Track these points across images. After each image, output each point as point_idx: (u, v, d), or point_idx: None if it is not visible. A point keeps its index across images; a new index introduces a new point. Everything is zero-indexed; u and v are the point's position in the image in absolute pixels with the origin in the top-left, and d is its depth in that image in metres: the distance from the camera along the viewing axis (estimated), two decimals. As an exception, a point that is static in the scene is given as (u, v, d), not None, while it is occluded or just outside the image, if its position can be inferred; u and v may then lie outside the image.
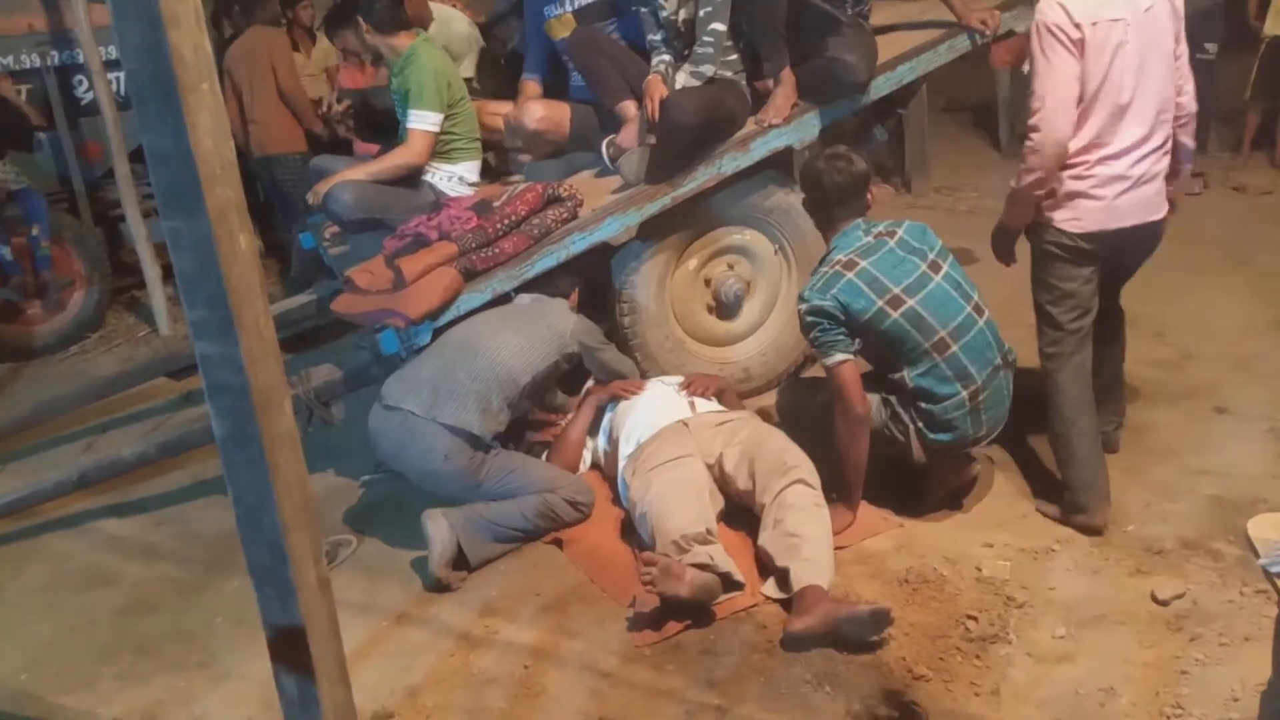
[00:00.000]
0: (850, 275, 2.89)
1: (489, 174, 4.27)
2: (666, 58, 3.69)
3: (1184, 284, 4.58)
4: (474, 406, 3.04)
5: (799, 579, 2.60)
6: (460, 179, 4.01)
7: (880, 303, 2.86)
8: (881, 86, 3.84)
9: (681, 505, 2.83)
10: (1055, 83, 2.76)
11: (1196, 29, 5.77)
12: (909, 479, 3.09)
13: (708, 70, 3.56)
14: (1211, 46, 5.90)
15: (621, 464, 3.23)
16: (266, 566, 1.92)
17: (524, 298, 3.49)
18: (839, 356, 2.89)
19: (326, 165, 4.21)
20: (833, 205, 3.03)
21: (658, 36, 3.74)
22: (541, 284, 3.50)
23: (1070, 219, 2.90)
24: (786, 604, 2.64)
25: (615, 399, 3.47)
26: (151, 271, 5.55)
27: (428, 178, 3.97)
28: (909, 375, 2.91)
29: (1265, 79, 6.09)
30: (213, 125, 1.67)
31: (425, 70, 3.78)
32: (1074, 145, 2.82)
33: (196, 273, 1.73)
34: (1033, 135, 2.82)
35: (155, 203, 1.70)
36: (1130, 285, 4.38)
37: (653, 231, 3.67)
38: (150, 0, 1.57)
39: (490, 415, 3.07)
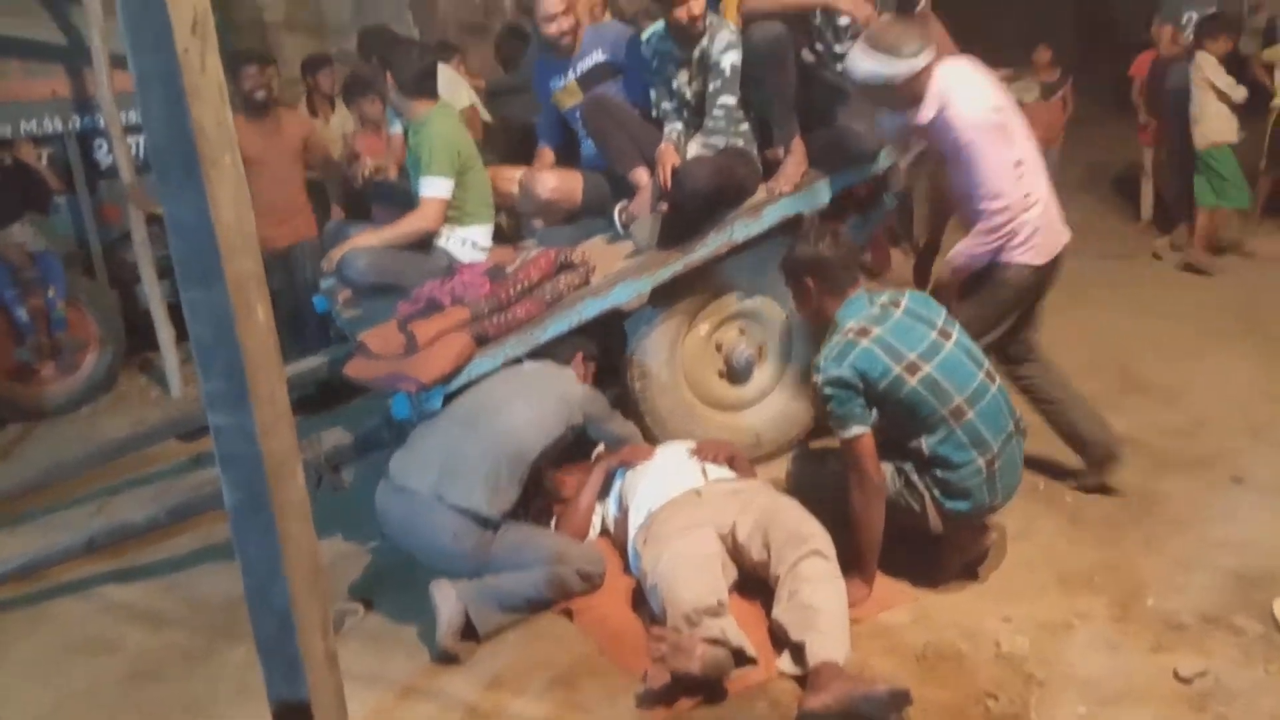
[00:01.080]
0: (866, 342, 2.88)
1: (502, 238, 4.31)
2: (678, 126, 3.74)
3: (1196, 350, 4.57)
4: (482, 486, 2.99)
5: (815, 654, 2.55)
6: (473, 244, 4.05)
7: (898, 369, 2.84)
8: (889, 155, 3.88)
9: (693, 577, 2.79)
10: (995, 163, 3.14)
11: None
12: (923, 549, 3.05)
13: (719, 142, 3.61)
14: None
15: (632, 532, 3.19)
16: (274, 638, 1.90)
17: (530, 364, 3.46)
18: (857, 430, 2.86)
19: (341, 230, 4.26)
20: (837, 274, 3.02)
21: (669, 105, 3.80)
22: (555, 350, 3.49)
23: (1033, 254, 3.26)
24: (801, 680, 2.59)
25: (625, 465, 3.45)
26: (165, 333, 5.59)
27: (441, 242, 4.00)
28: (926, 443, 2.89)
29: (1278, 147, 6.14)
30: (233, 198, 1.69)
31: (438, 137, 3.84)
32: (1019, 194, 3.18)
33: (213, 343, 1.74)
34: (997, 216, 3.17)
35: (172, 267, 1.70)
36: (1142, 352, 4.38)
37: (664, 297, 3.68)
38: (173, 74, 1.60)
39: (499, 493, 3.02)
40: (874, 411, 2.89)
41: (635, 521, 3.20)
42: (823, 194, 3.78)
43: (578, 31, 3.98)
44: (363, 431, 3.62)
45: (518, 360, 3.45)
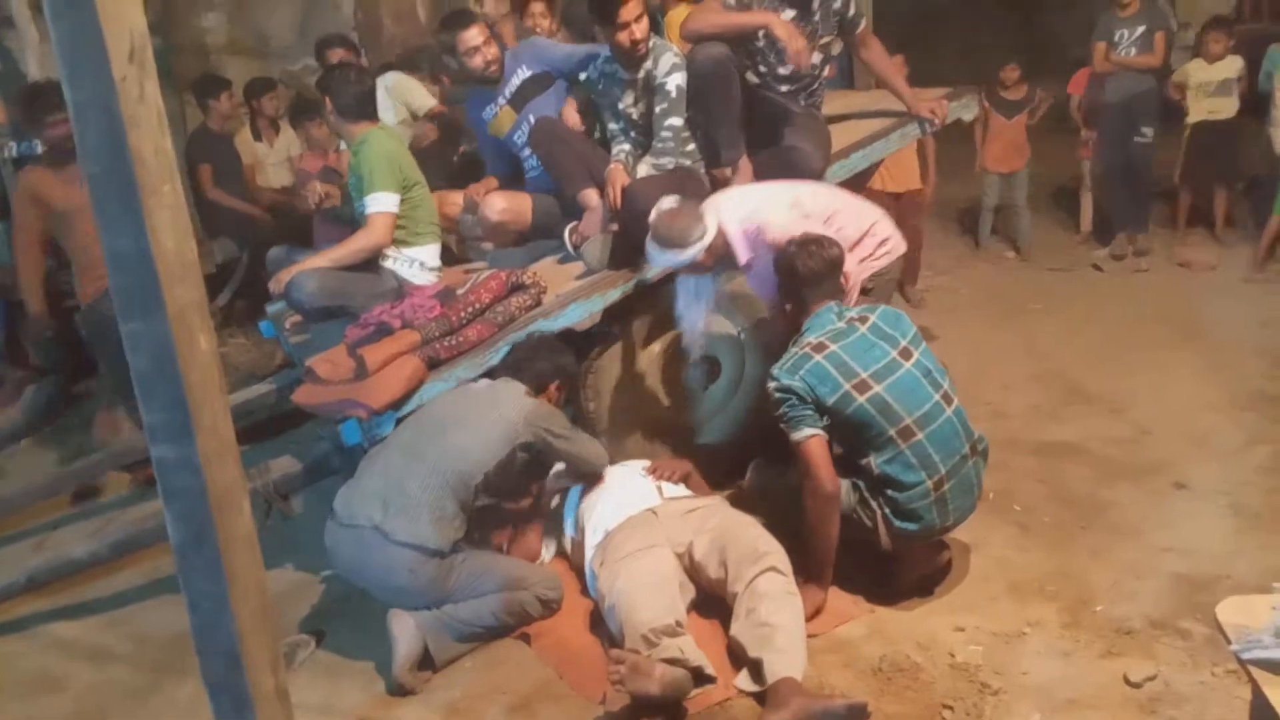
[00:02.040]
0: (819, 358, 2.91)
1: (451, 259, 4.28)
2: (626, 147, 3.77)
3: (1138, 361, 4.67)
4: (427, 518, 2.92)
5: (773, 671, 2.55)
6: (421, 264, 4.00)
7: (847, 386, 2.87)
8: (837, 173, 3.93)
9: (650, 597, 2.78)
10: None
11: (1134, 114, 6.10)
12: (879, 562, 3.07)
13: (668, 163, 3.64)
14: (1149, 130, 6.15)
15: (589, 553, 3.18)
16: (222, 675, 1.86)
17: (480, 383, 3.39)
18: (806, 431, 2.89)
19: (285, 255, 4.19)
20: (806, 289, 3.07)
21: (616, 126, 3.82)
22: (533, 372, 3.35)
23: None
24: (760, 696, 2.59)
25: (580, 485, 3.43)
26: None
27: (388, 264, 3.95)
28: (875, 461, 2.92)
29: (1192, 161, 6.35)
30: (173, 225, 1.66)
31: (377, 155, 3.80)
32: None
33: (154, 374, 1.70)
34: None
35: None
36: (1085, 363, 4.50)
37: (616, 318, 3.68)
38: (111, 103, 1.57)
39: (445, 523, 2.95)
40: (825, 418, 2.92)
41: (591, 542, 3.19)
42: (771, 212, 3.81)
43: (501, 58, 3.99)
44: (312, 458, 3.57)
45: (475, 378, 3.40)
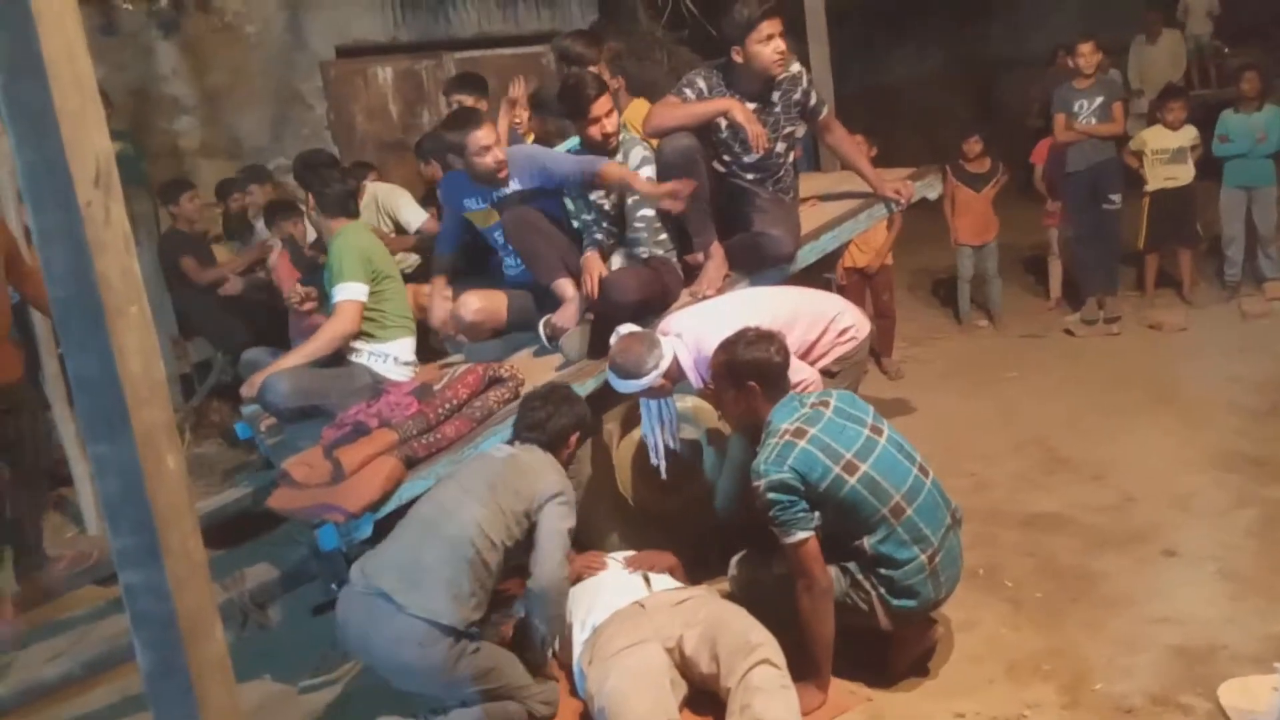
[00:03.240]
0: (803, 443, 2.86)
1: (429, 353, 4.27)
2: (600, 237, 3.81)
3: (1116, 425, 4.69)
4: (443, 594, 2.81)
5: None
6: (395, 359, 3.99)
7: (837, 469, 2.83)
8: (808, 255, 3.98)
9: (640, 696, 2.71)
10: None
11: (1099, 182, 6.25)
12: (871, 648, 3.02)
13: (642, 252, 3.68)
14: (1116, 197, 6.29)
15: (577, 650, 3.10)
16: (194, 812, 1.78)
17: (503, 449, 3.23)
18: (800, 535, 2.82)
19: (258, 358, 4.18)
20: (772, 383, 3.03)
21: (589, 217, 3.86)
22: (539, 429, 3.23)
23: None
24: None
25: (579, 578, 3.35)
26: (79, 469, 5.36)
27: (361, 359, 3.93)
28: (869, 543, 2.87)
29: (1154, 226, 6.50)
30: (140, 347, 1.65)
31: (349, 248, 3.84)
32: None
33: (122, 499, 1.67)
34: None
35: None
36: (1064, 429, 4.49)
37: (596, 406, 3.66)
38: (76, 228, 1.56)
39: (461, 601, 2.83)
40: (817, 515, 2.87)
41: (579, 639, 3.10)
42: (745, 296, 3.84)
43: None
44: (289, 565, 3.49)
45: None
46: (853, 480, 2.83)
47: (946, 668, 3.06)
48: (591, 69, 4.05)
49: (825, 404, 3.00)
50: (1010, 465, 4.44)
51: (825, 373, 3.37)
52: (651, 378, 3.28)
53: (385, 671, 2.92)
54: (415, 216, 5.21)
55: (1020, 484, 4.25)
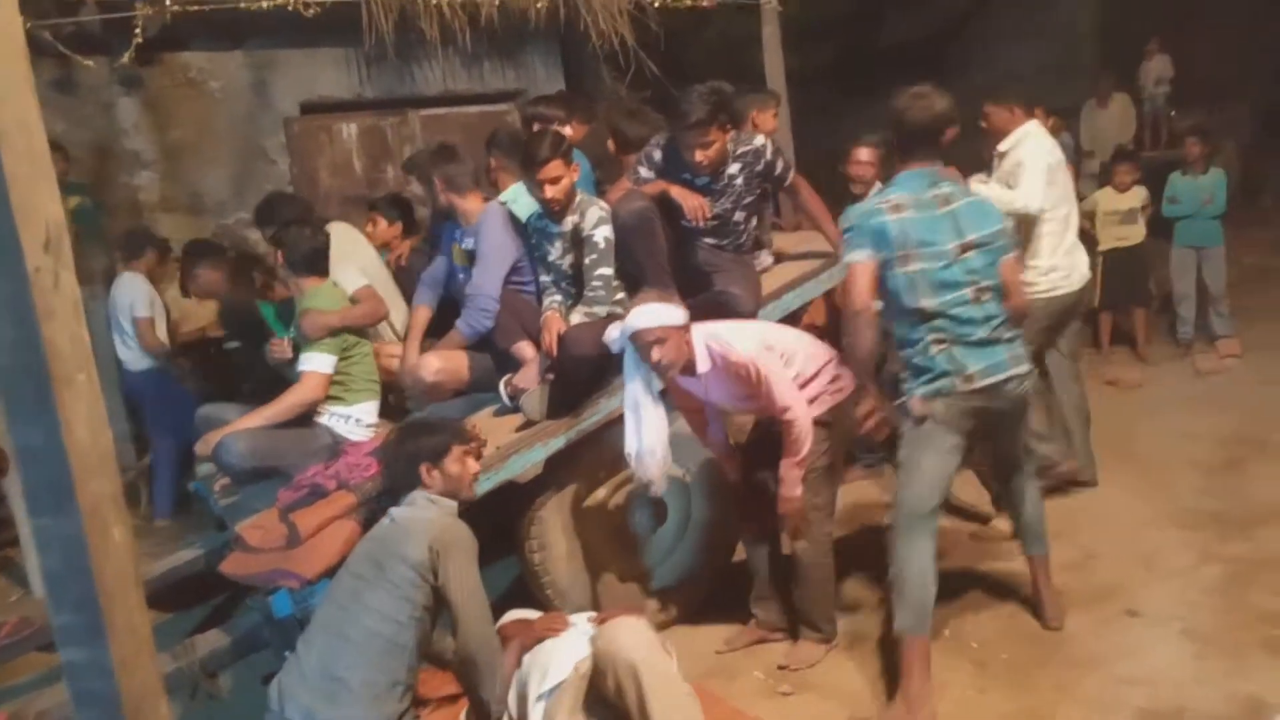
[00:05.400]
0: (889, 218, 3.12)
1: (389, 413, 4.21)
2: (558, 298, 3.82)
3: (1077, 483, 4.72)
4: (362, 700, 2.68)
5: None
6: (357, 421, 3.93)
7: (897, 254, 3.10)
8: (772, 313, 3.99)
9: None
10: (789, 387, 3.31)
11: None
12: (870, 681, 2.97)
13: (601, 310, 3.67)
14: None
15: (537, 707, 3.00)
16: None
17: (383, 522, 3.00)
18: (857, 255, 3.15)
19: (215, 414, 4.09)
20: (909, 142, 3.24)
21: (548, 278, 3.88)
22: (403, 484, 3.02)
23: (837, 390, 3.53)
24: None
25: (540, 640, 3.25)
26: (25, 530, 5.19)
27: (324, 420, 3.88)
28: (896, 326, 3.21)
29: (1108, 286, 6.62)
30: (88, 416, 1.60)
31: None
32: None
33: (64, 574, 1.61)
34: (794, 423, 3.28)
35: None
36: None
37: (558, 466, 3.62)
38: (23, 296, 1.52)
39: (383, 699, 2.71)
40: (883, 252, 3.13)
41: (536, 693, 3.01)
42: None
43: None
44: (241, 631, 3.39)
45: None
46: (901, 270, 3.11)
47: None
48: (556, 129, 4.07)
49: (948, 201, 3.18)
50: (972, 523, 4.44)
51: (818, 422, 3.36)
52: (675, 315, 3.21)
53: None
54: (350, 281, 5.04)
55: (979, 541, 4.26)
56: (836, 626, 3.57)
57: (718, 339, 3.33)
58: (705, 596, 3.92)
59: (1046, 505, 3.62)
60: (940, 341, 3.11)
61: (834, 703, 3.26)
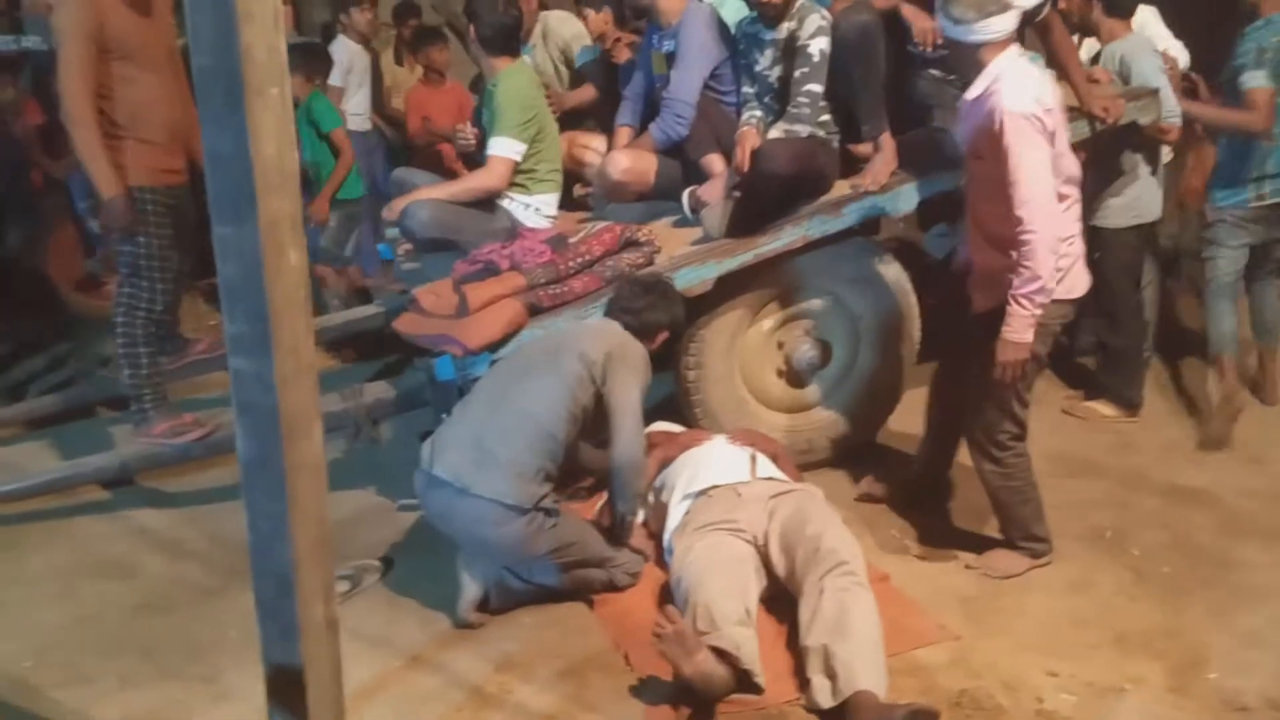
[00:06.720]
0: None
1: (571, 203, 4.18)
2: (758, 113, 3.60)
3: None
4: (504, 473, 2.76)
5: (848, 683, 2.38)
6: (537, 210, 3.93)
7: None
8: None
9: (721, 575, 2.65)
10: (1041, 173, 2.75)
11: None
12: (961, 587, 2.86)
13: (802, 130, 3.44)
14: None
15: (670, 523, 3.05)
16: (273, 600, 1.82)
17: (571, 322, 3.21)
18: (1254, 82, 3.75)
19: (407, 178, 4.16)
20: None
21: (751, 90, 3.65)
22: (631, 313, 3.11)
23: (1068, 289, 2.93)
24: (826, 714, 2.43)
25: (684, 450, 3.28)
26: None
27: (505, 204, 3.89)
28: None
29: None
30: (276, 131, 1.58)
31: (513, 99, 3.72)
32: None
33: (240, 284, 1.63)
34: (1031, 235, 2.73)
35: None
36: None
37: (729, 287, 3.52)
38: (225, -6, 1.48)
39: (524, 480, 2.77)
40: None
41: (674, 511, 3.06)
42: (910, 197, 3.59)
43: None
44: (406, 388, 3.55)
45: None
46: None
47: (1047, 624, 2.87)
48: None
49: None
50: (1164, 432, 4.09)
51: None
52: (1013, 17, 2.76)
53: (468, 548, 2.92)
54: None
55: (1169, 452, 3.93)
56: (1047, 544, 3.13)
57: (1005, 80, 2.78)
58: (855, 447, 3.81)
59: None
60: None
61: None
